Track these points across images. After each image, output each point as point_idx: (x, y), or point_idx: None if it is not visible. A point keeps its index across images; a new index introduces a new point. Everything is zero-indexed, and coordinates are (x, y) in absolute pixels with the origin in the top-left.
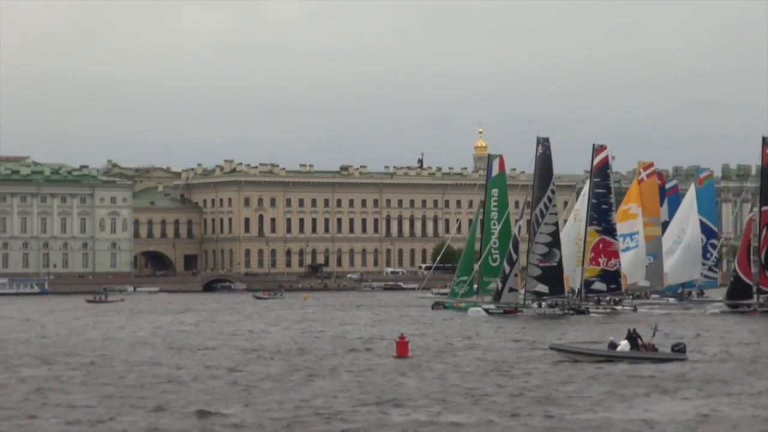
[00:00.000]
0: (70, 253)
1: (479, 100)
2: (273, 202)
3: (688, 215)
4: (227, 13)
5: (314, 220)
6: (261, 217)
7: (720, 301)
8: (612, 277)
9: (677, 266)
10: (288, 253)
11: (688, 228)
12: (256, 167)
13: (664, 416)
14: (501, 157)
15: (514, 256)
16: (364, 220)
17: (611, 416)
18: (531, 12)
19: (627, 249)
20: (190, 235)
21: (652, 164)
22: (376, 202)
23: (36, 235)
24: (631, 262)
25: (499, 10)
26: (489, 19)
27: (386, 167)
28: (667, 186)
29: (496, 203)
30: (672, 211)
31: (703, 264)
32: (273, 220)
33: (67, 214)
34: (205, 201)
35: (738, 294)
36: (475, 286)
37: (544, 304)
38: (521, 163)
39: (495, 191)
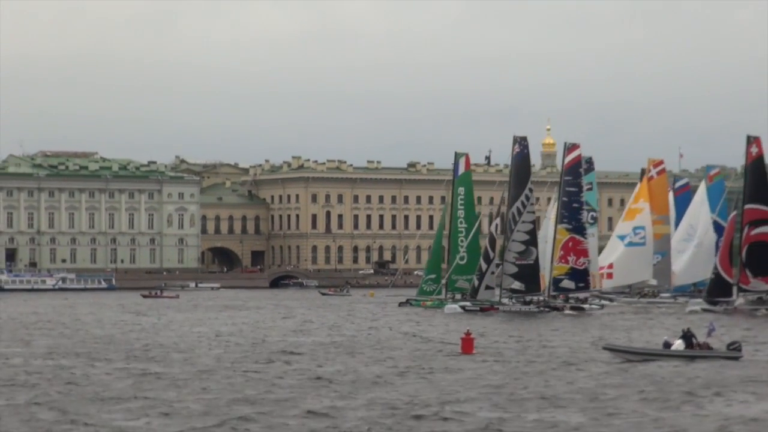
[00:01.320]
0: (138, 249)
1: (547, 97)
2: (340, 199)
3: (698, 213)
4: (296, 9)
5: (381, 217)
6: (328, 214)
7: (700, 298)
8: (580, 276)
9: (689, 265)
10: (355, 249)
11: (698, 226)
12: (324, 164)
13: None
14: (467, 156)
15: (491, 254)
16: (431, 217)
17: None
18: (603, 7)
19: (631, 245)
20: (258, 232)
21: (662, 162)
22: (443, 199)
23: (104, 230)
24: (637, 260)
25: (568, 5)
26: (559, 14)
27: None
28: (677, 185)
29: (462, 202)
30: (682, 210)
31: None
32: (340, 216)
33: (134, 210)
34: (272, 197)
35: (718, 292)
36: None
37: (514, 300)
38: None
39: (461, 189)
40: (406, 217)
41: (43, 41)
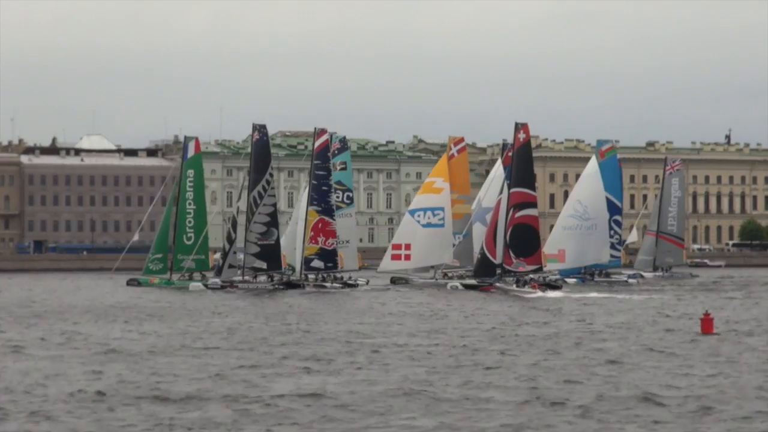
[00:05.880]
0: (376, 228)
1: None
2: (578, 179)
3: (587, 189)
4: None
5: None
6: (566, 193)
7: (461, 278)
8: (329, 256)
9: (580, 247)
10: None
11: (589, 204)
12: (562, 143)
13: None
14: (197, 140)
15: (233, 235)
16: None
17: None
18: None
19: (428, 225)
20: None
21: (462, 139)
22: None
23: None
24: (436, 242)
25: None
26: None
27: (693, 143)
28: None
29: (191, 183)
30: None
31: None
32: None
33: (373, 190)
34: None
35: (483, 271)
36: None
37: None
38: None
39: (191, 172)
40: (645, 196)
41: (289, 20)
